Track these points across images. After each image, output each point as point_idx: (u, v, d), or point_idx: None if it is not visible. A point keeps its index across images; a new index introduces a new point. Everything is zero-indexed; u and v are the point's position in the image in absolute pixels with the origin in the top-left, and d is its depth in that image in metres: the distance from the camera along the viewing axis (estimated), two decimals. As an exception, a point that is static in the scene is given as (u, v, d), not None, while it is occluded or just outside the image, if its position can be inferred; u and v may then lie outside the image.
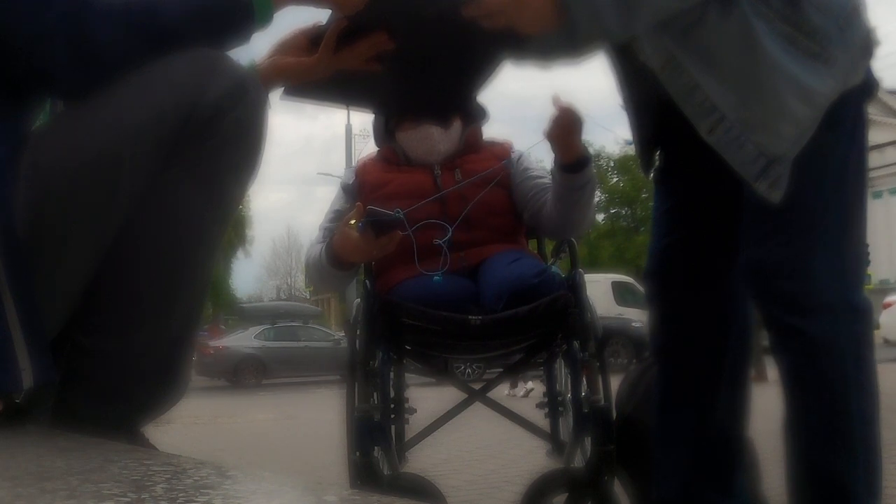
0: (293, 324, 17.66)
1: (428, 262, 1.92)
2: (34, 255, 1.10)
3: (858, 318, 1.43)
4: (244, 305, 25.20)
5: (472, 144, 2.16)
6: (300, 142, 77.93)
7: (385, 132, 2.17)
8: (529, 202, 2.08)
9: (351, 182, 2.15)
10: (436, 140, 2.09)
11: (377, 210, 1.73)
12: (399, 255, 1.93)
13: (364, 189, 2.10)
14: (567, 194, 1.95)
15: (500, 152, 2.18)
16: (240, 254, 33.36)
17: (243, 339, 16.89)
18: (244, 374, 15.86)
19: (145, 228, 1.15)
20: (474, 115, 2.15)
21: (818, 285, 1.41)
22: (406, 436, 2.08)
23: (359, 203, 1.78)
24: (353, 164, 2.36)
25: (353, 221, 1.74)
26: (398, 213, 1.76)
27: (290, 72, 1.40)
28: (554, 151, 1.92)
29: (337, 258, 1.86)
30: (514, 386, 7.97)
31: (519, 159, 2.17)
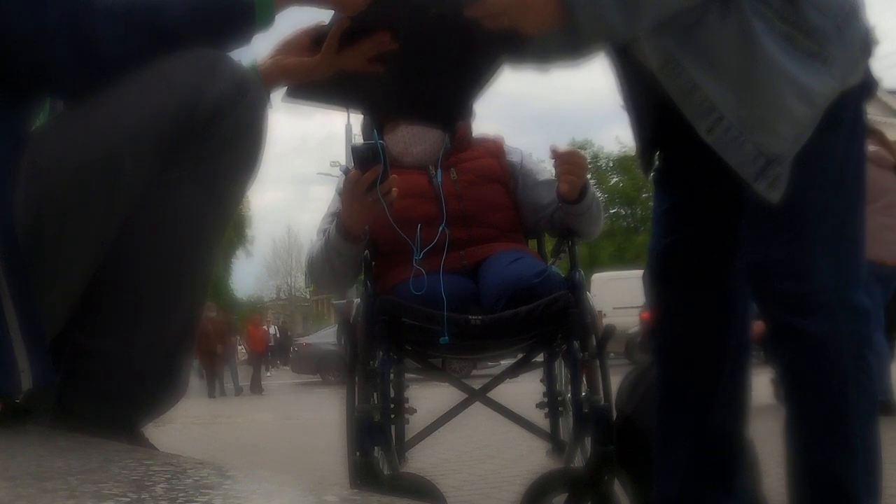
0: None
1: (427, 262, 1.92)
2: (34, 256, 1.09)
3: (858, 317, 1.43)
4: (335, 302, 25.28)
5: (463, 141, 2.16)
6: (296, 141, 77.86)
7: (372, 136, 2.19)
8: (545, 208, 2.13)
9: None
10: (408, 142, 2.10)
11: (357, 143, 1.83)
12: (399, 256, 1.93)
13: None
14: (573, 219, 2.06)
15: (494, 148, 2.18)
16: (240, 254, 33.48)
17: (327, 336, 16.64)
18: (326, 370, 15.56)
19: (145, 228, 1.15)
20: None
21: (817, 285, 1.41)
22: (406, 436, 2.08)
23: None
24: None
25: (332, 162, 1.83)
26: (377, 140, 1.82)
27: (293, 72, 1.39)
28: (560, 186, 1.99)
29: (345, 227, 1.90)
30: None
31: (522, 161, 2.17)
